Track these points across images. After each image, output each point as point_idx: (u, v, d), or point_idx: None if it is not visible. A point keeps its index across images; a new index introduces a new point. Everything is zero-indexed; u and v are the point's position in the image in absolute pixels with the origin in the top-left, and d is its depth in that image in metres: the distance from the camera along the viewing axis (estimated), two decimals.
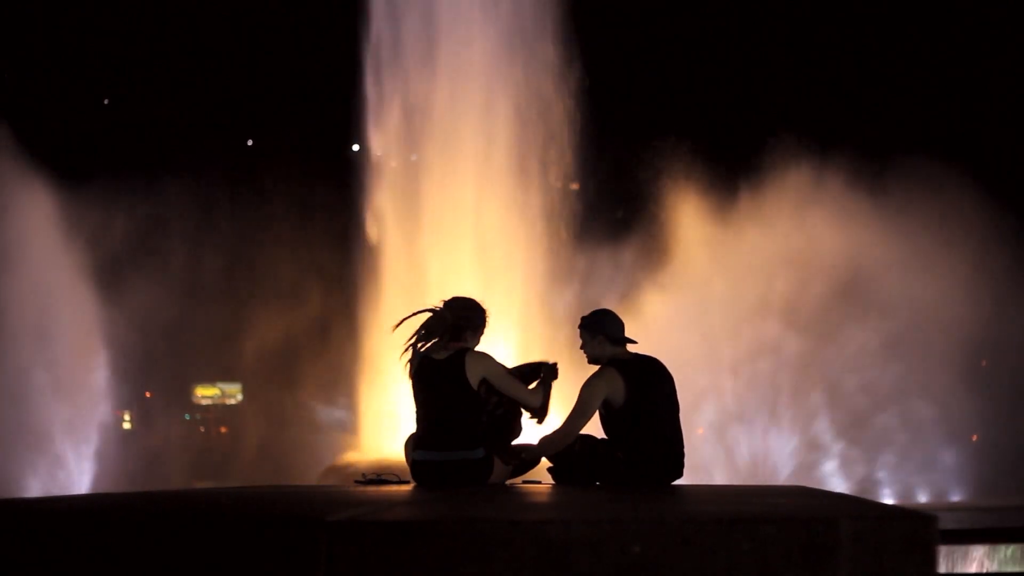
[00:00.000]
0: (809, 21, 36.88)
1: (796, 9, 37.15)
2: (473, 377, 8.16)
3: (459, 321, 8.31)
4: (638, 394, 8.27)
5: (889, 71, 35.28)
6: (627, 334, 8.59)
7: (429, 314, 8.37)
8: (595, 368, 8.53)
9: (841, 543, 4.39)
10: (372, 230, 24.66)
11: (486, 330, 8.57)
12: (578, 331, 8.65)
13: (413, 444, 8.32)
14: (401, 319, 8.39)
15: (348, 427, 25.28)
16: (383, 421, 22.50)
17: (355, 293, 25.23)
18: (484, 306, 8.49)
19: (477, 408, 8.22)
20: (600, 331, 8.54)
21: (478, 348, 8.41)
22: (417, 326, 8.35)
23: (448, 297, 8.54)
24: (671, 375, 8.53)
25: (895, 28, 35.84)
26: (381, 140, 25.39)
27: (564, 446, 8.31)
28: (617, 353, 8.49)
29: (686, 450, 8.47)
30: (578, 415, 8.31)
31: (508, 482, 8.39)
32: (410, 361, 8.32)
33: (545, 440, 8.37)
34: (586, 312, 8.73)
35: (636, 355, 8.53)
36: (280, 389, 27.66)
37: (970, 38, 35.31)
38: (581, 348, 8.63)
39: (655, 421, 8.30)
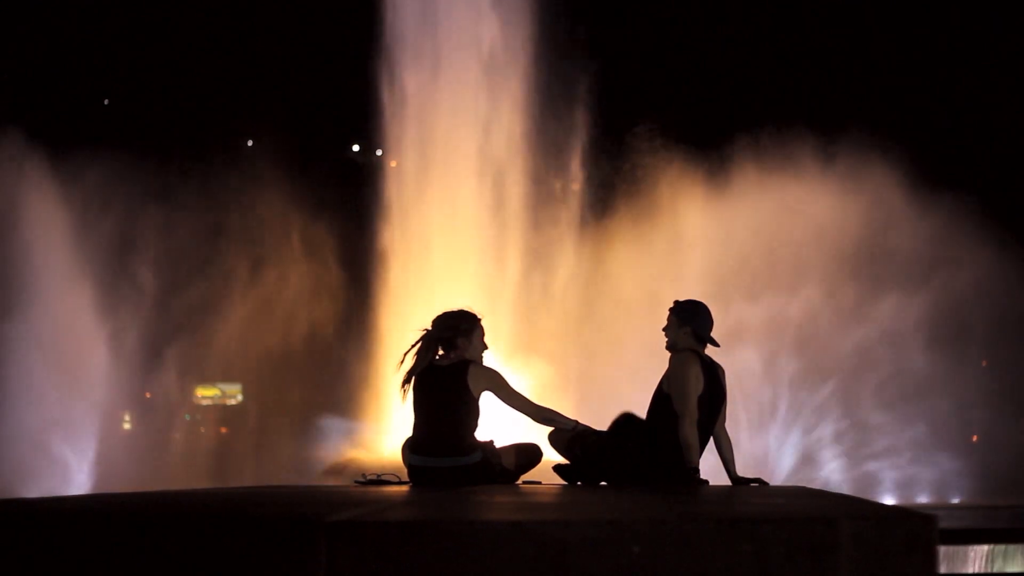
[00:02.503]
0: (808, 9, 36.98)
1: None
2: (476, 388, 8.20)
3: (444, 333, 8.38)
4: (704, 397, 8.27)
5: (898, 58, 35.28)
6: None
7: (421, 338, 8.46)
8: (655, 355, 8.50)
9: (841, 543, 4.38)
10: (374, 229, 24.69)
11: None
12: (668, 312, 8.58)
13: (409, 448, 8.35)
14: (403, 355, 8.46)
15: (349, 427, 25.28)
16: (386, 423, 22.51)
17: (357, 293, 25.24)
18: (472, 312, 8.52)
19: (474, 416, 8.26)
20: (689, 323, 8.48)
21: (486, 360, 8.47)
22: (414, 354, 8.42)
23: (444, 310, 8.62)
24: (726, 388, 8.52)
25: (900, 16, 35.87)
26: (383, 140, 25.42)
27: (696, 431, 8.20)
28: (697, 349, 8.46)
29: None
30: (688, 395, 8.22)
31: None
32: (406, 380, 8.39)
33: (684, 441, 8.21)
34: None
35: (712, 359, 8.51)
36: (280, 389, 27.64)
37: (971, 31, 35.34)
38: (664, 329, 8.56)
39: (703, 430, 8.31)
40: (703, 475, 8.28)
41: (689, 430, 8.17)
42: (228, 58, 37.75)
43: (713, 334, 8.53)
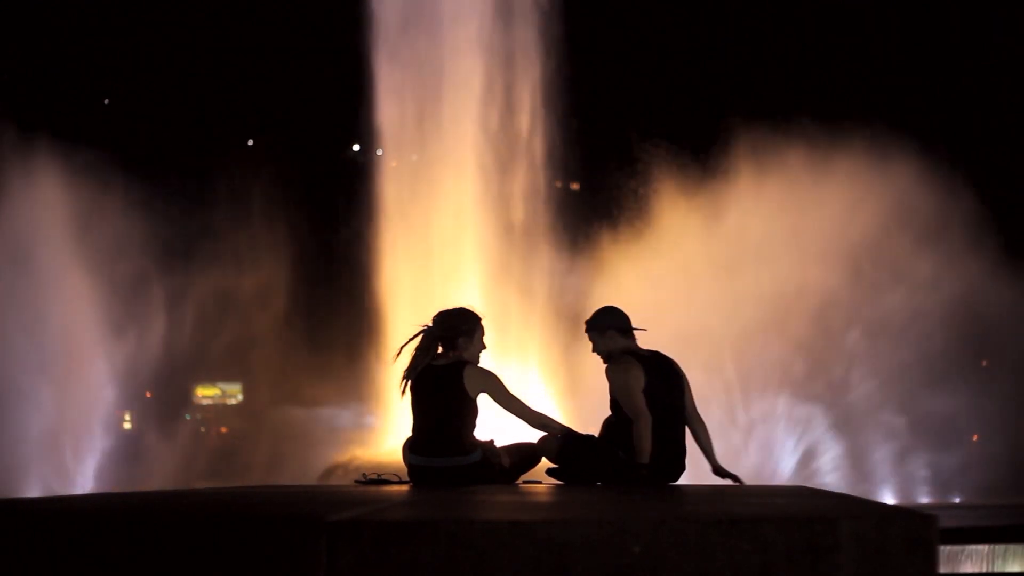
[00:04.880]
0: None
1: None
2: (472, 389, 8.19)
3: (447, 332, 8.36)
4: (654, 390, 8.25)
5: (894, 59, 35.25)
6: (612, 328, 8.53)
7: (421, 335, 8.43)
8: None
9: (841, 543, 4.39)
10: (374, 230, 24.70)
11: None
12: (586, 335, 8.58)
13: (409, 448, 8.35)
14: (400, 347, 8.44)
15: (349, 427, 25.29)
16: (386, 422, 22.52)
17: (357, 293, 25.26)
18: (474, 311, 8.51)
19: (472, 415, 8.25)
20: (609, 326, 8.48)
21: (482, 362, 8.45)
22: (413, 350, 8.40)
23: (445, 308, 8.60)
24: (683, 373, 8.50)
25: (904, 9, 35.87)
26: (382, 140, 25.42)
27: (651, 425, 8.15)
28: (630, 346, 8.46)
29: (687, 450, 8.44)
30: (632, 398, 8.17)
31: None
32: (406, 379, 8.37)
33: (636, 440, 8.16)
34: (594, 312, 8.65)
35: (651, 351, 8.51)
36: (280, 389, 27.66)
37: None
38: (593, 351, 8.57)
39: (666, 419, 8.29)
40: (689, 468, 8.30)
41: (643, 431, 8.17)
42: (228, 58, 37.76)
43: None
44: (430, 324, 8.45)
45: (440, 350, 8.39)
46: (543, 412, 8.52)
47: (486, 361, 8.55)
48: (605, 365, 8.48)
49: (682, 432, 8.41)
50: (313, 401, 27.56)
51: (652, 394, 8.24)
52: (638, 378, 8.22)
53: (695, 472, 8.47)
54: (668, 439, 8.28)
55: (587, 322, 8.58)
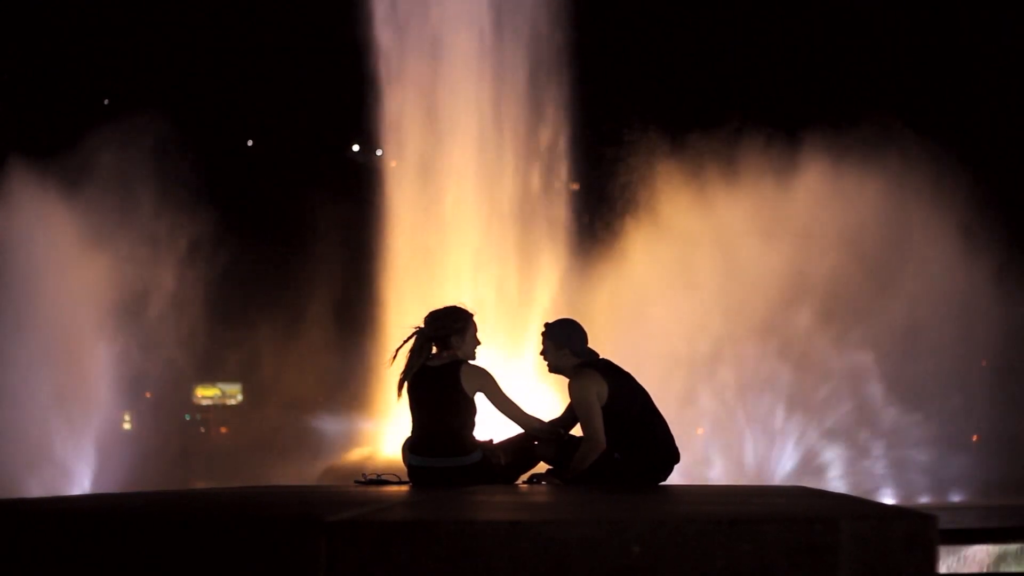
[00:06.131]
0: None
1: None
2: (469, 388, 8.20)
3: (439, 332, 8.38)
4: (618, 393, 8.29)
5: (902, 60, 35.26)
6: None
7: (414, 336, 8.44)
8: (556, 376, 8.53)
9: (841, 543, 4.38)
10: (374, 230, 24.73)
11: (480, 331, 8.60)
12: (541, 337, 8.60)
13: (409, 448, 8.36)
14: (395, 351, 8.46)
15: (349, 427, 25.31)
16: (387, 423, 22.53)
17: (357, 293, 25.27)
18: (465, 308, 8.52)
19: (471, 415, 8.26)
20: (566, 344, 8.50)
21: (477, 359, 8.45)
22: (407, 352, 8.41)
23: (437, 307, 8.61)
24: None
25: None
26: (382, 140, 25.44)
27: (599, 452, 8.21)
28: (581, 360, 8.49)
29: (685, 450, 8.45)
30: (591, 419, 8.24)
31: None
32: (402, 380, 8.38)
33: (578, 458, 8.26)
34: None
35: (604, 360, 8.54)
36: (280, 389, 27.66)
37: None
38: (541, 354, 8.61)
39: (640, 418, 8.32)
40: (681, 472, 8.34)
41: (589, 454, 8.19)
42: (228, 58, 37.77)
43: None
44: (422, 325, 8.47)
45: (435, 350, 8.40)
46: (535, 416, 8.52)
47: (482, 359, 8.55)
48: (568, 380, 8.49)
49: (657, 427, 8.40)
50: (312, 402, 27.55)
51: (618, 400, 8.26)
52: (601, 396, 8.24)
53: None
54: (645, 441, 8.30)
55: (547, 327, 8.60)
